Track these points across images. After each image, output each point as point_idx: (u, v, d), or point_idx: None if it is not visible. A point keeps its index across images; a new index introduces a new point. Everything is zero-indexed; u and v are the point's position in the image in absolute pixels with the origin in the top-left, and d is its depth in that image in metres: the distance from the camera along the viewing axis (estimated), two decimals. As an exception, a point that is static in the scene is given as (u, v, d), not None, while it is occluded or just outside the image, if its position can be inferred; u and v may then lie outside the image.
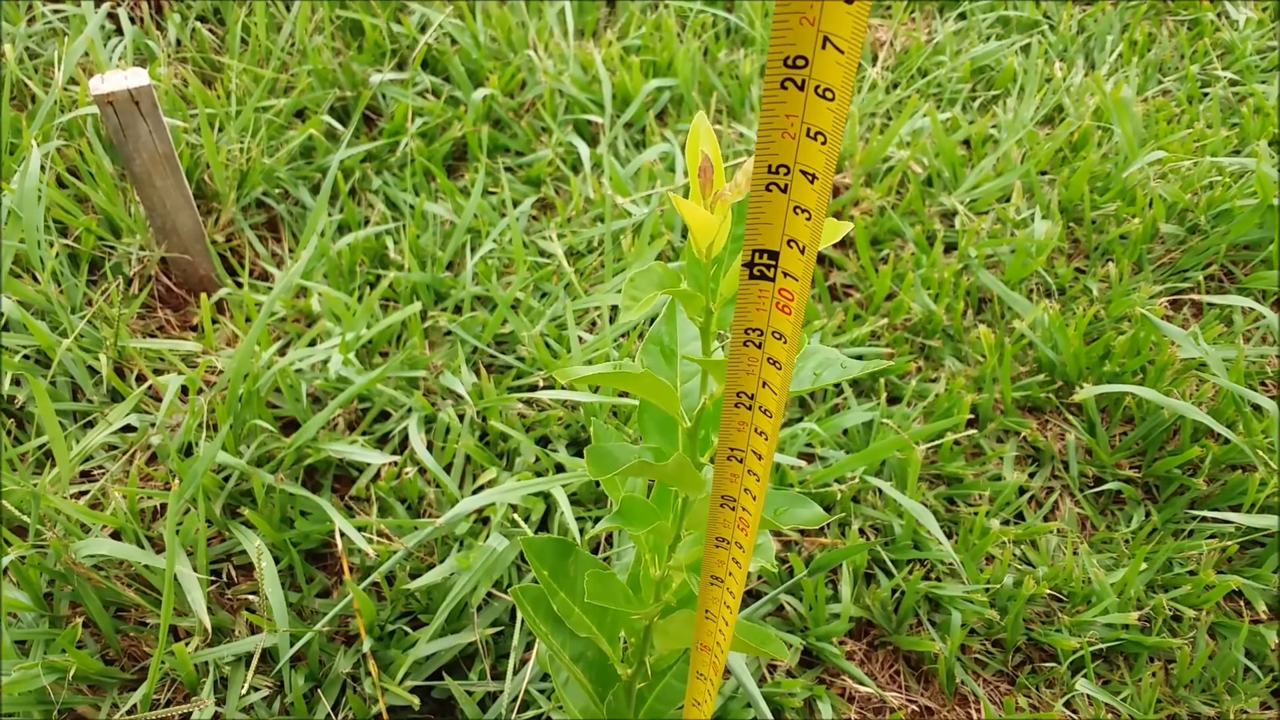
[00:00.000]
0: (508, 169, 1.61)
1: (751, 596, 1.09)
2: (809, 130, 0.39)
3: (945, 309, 1.38)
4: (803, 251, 0.42)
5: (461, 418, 1.20)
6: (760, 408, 0.48)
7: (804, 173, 0.40)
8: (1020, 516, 1.22)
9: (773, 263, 0.43)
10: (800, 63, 0.37)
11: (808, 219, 0.41)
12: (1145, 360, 1.31)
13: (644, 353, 0.63)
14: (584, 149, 1.57)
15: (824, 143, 0.39)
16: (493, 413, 1.19)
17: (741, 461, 0.50)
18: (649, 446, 0.61)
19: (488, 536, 1.05)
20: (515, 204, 1.52)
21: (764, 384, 0.47)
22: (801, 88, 0.38)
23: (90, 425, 1.15)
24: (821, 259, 1.50)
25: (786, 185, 0.41)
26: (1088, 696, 1.05)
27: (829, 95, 0.38)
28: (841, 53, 0.36)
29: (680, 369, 0.63)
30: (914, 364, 1.35)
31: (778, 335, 0.45)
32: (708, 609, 0.58)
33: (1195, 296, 1.45)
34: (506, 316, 1.30)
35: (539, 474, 1.15)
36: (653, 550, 0.67)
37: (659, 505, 0.64)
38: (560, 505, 1.06)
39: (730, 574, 0.55)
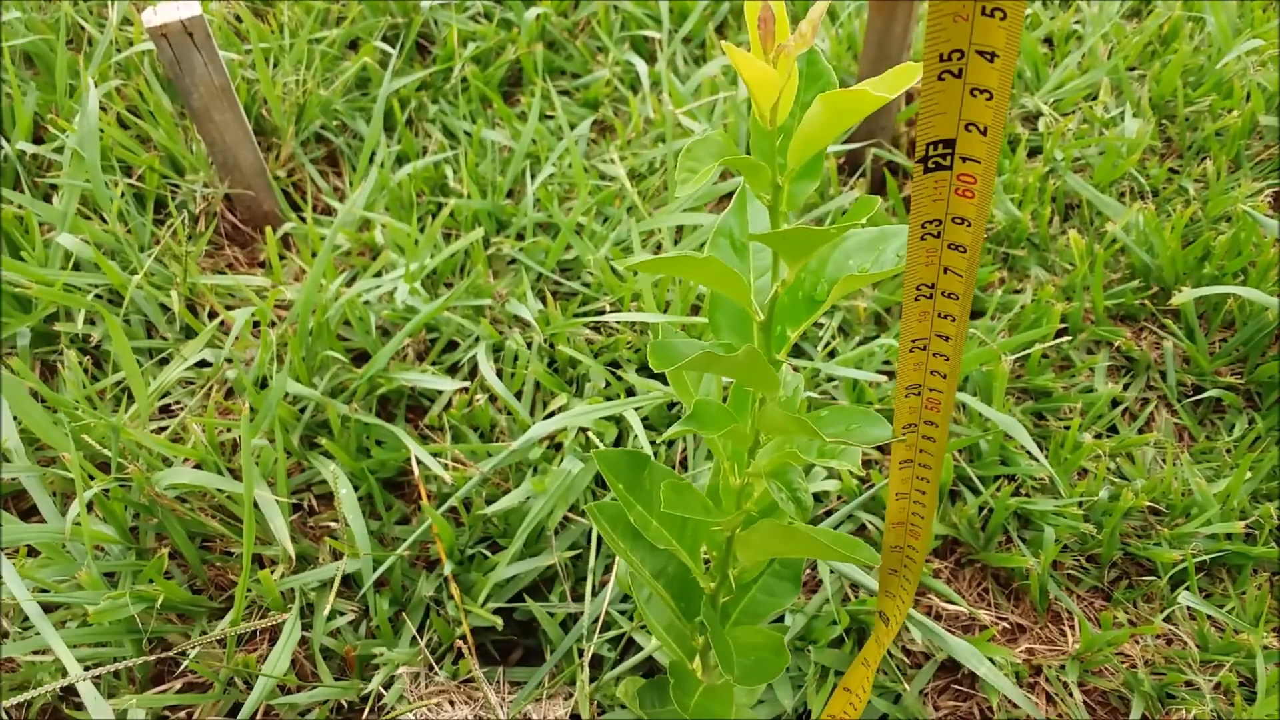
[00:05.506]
0: (564, 92, 1.57)
1: (827, 514, 1.06)
2: (985, 9, 0.38)
3: (1031, 215, 1.31)
4: (984, 133, 0.42)
5: (529, 344, 1.18)
6: (943, 292, 0.48)
7: (980, 52, 0.39)
8: (1114, 429, 1.16)
9: (949, 151, 0.43)
10: None
11: (989, 99, 0.41)
12: (1247, 261, 1.23)
13: (712, 246, 0.59)
14: (642, 67, 1.51)
15: (1003, 19, 0.38)
16: (560, 338, 1.17)
17: (925, 349, 0.52)
18: (719, 342, 0.58)
19: (561, 461, 1.04)
20: (573, 127, 1.47)
21: (945, 270, 0.47)
22: None
23: (165, 362, 1.16)
24: (895, 169, 1.43)
25: (961, 70, 0.40)
26: (1189, 610, 1.00)
27: None
28: None
29: (753, 263, 0.59)
30: (997, 275, 1.28)
31: (958, 220, 0.45)
32: (898, 491, 0.61)
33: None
34: (570, 242, 1.27)
35: (609, 399, 1.13)
36: (731, 458, 0.64)
37: (736, 410, 0.61)
38: (634, 428, 1.04)
39: (923, 450, 0.57)
